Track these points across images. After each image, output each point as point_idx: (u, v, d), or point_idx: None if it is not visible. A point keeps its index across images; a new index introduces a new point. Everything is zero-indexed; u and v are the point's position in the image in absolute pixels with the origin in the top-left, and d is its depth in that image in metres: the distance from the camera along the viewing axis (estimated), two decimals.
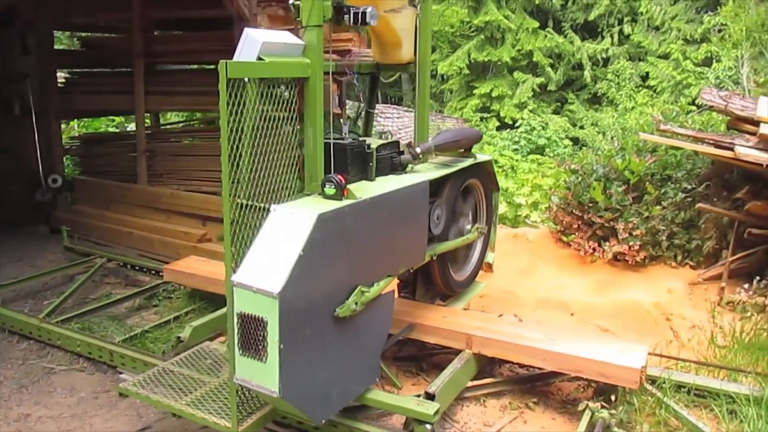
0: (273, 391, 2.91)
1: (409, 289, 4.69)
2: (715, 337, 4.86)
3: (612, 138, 12.57)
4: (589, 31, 22.05)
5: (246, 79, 2.96)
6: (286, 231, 2.98)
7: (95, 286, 6.19)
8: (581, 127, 20.07)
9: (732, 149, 5.48)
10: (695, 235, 6.27)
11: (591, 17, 21.40)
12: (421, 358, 4.62)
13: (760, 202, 5.53)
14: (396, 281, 3.70)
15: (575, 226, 6.76)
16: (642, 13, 20.43)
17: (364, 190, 3.44)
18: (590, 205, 6.57)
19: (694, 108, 8.34)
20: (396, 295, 3.85)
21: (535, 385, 4.27)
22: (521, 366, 4.42)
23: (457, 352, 4.14)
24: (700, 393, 3.94)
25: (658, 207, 6.33)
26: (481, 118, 21.30)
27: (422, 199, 3.89)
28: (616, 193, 6.43)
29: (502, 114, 21.28)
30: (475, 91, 22.07)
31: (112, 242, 7.15)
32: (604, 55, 21.28)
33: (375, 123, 4.95)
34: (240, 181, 3.05)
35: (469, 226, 4.72)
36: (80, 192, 8.06)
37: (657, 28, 20.39)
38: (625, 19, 21.10)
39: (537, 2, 21.53)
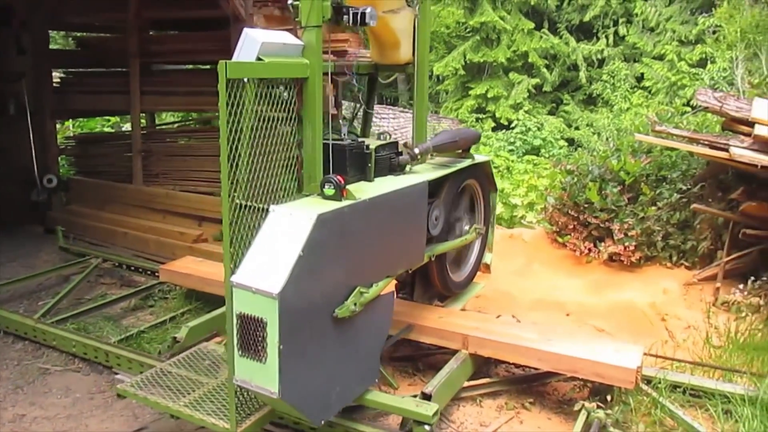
0: (273, 392, 2.91)
1: (407, 290, 4.69)
2: (710, 338, 4.87)
3: (607, 139, 12.61)
4: (585, 32, 22.11)
5: (245, 80, 2.96)
6: (286, 231, 2.98)
7: (90, 287, 6.17)
8: (576, 128, 20.14)
9: (727, 150, 5.50)
10: (690, 235, 6.29)
11: (586, 18, 21.48)
12: (417, 359, 4.63)
13: (754, 203, 5.55)
14: (394, 282, 3.69)
15: (571, 226, 6.77)
16: (637, 15, 20.52)
17: (363, 190, 3.44)
18: (586, 205, 6.59)
19: (688, 109, 8.39)
20: (394, 295, 3.85)
21: (531, 385, 4.27)
22: (517, 366, 4.42)
23: (454, 352, 4.14)
24: (695, 393, 3.96)
25: (653, 207, 6.35)
26: (477, 119, 21.34)
27: (421, 199, 3.90)
28: (611, 194, 6.45)
29: (497, 115, 21.33)
30: (470, 92, 22.12)
31: (107, 242, 7.13)
32: (599, 56, 21.36)
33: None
34: (238, 181, 3.04)
35: (467, 227, 4.73)
36: (75, 192, 8.03)
37: (652, 30, 20.48)
38: (620, 21, 21.18)
39: (532, 3, 21.58)
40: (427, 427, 3.39)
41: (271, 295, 2.81)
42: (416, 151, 4.01)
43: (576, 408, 3.74)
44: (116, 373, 4.29)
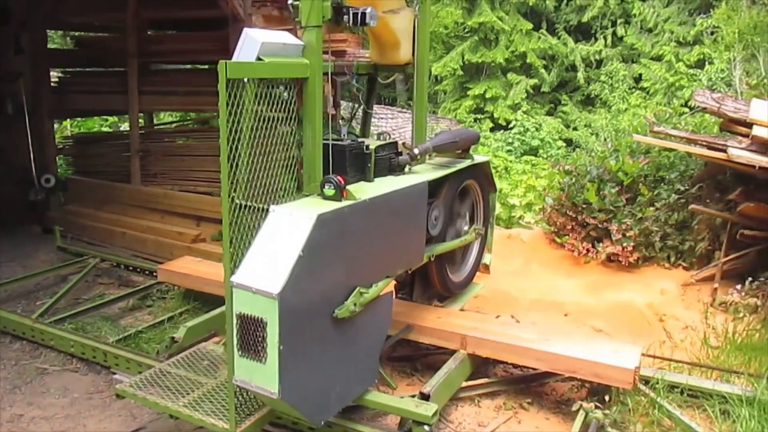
0: (272, 392, 2.91)
1: (406, 290, 4.70)
2: (707, 338, 4.88)
3: (605, 139, 12.63)
4: (583, 32, 22.13)
5: (245, 80, 2.96)
6: (286, 232, 2.98)
7: (88, 287, 6.16)
8: (574, 129, 20.15)
9: (725, 151, 5.51)
10: (688, 236, 6.30)
11: (584, 19, 21.49)
12: (415, 359, 4.63)
13: (752, 204, 5.56)
14: (393, 282, 3.69)
15: (569, 227, 6.78)
16: (635, 15, 20.54)
17: (363, 191, 3.44)
18: (584, 206, 6.60)
19: (686, 110, 8.39)
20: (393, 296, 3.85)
21: (530, 385, 4.28)
22: (515, 366, 4.42)
23: (452, 352, 4.14)
24: (693, 393, 3.97)
25: (651, 208, 6.36)
26: (475, 119, 21.33)
27: (421, 200, 3.90)
28: (609, 195, 6.45)
29: (495, 115, 21.33)
30: (468, 92, 22.12)
31: (105, 242, 7.13)
32: (597, 57, 21.37)
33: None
34: (238, 181, 3.04)
35: (466, 227, 4.73)
36: (73, 192, 8.03)
37: (650, 30, 20.51)
38: (619, 21, 21.20)
39: (531, 4, 21.58)
40: (426, 428, 3.39)
41: (271, 296, 2.80)
42: (416, 151, 4.01)
43: (574, 408, 3.74)
44: (114, 373, 4.29)
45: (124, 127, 10.70)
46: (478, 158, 4.65)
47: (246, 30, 3.17)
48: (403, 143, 4.11)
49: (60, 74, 8.47)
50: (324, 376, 3.19)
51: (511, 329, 4.38)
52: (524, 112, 20.78)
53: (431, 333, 4.28)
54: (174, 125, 10.37)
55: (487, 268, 5.20)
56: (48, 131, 7.97)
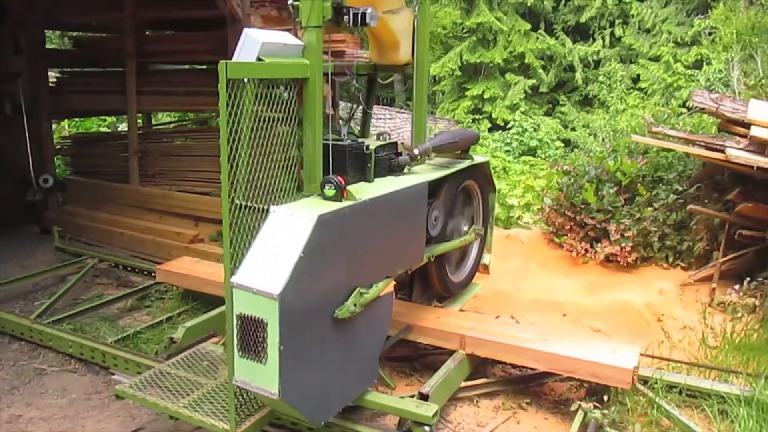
0: (273, 392, 2.91)
1: (405, 291, 4.70)
2: (706, 338, 4.89)
3: (603, 140, 12.64)
4: (581, 33, 22.15)
5: (245, 80, 2.95)
6: (286, 232, 2.98)
7: (87, 287, 6.15)
8: (573, 129, 20.16)
9: (723, 151, 5.52)
10: (686, 236, 6.31)
11: (582, 19, 21.52)
12: (414, 359, 4.63)
13: (750, 204, 5.57)
14: (393, 283, 3.69)
15: (567, 227, 6.79)
16: (633, 16, 20.56)
17: (364, 191, 3.44)
18: (582, 206, 6.61)
19: (684, 110, 8.40)
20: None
21: (528, 385, 4.28)
22: (514, 366, 4.43)
23: (451, 352, 4.14)
24: (691, 393, 3.97)
25: (649, 208, 6.37)
26: (473, 120, 21.34)
27: (421, 200, 3.90)
28: (608, 195, 6.46)
29: (494, 115, 21.34)
30: (467, 93, 22.13)
31: (103, 243, 7.12)
32: (595, 57, 21.39)
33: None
34: (238, 182, 3.04)
35: (466, 228, 4.73)
36: (71, 192, 8.02)
37: (648, 31, 20.54)
38: (617, 22, 21.23)
39: (529, 4, 21.59)
40: (426, 428, 3.39)
41: (272, 296, 2.80)
42: (416, 151, 4.01)
43: (573, 408, 3.74)
44: (113, 374, 4.28)
45: (122, 127, 10.69)
46: (478, 158, 4.65)
47: (246, 30, 3.17)
48: (401, 143, 4.11)
49: (58, 74, 8.47)
50: (324, 377, 3.19)
51: (510, 329, 4.39)
52: (522, 113, 20.79)
53: (430, 333, 4.28)
54: (172, 125, 10.37)
55: (486, 268, 5.20)
56: (46, 131, 7.95)
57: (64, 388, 4.38)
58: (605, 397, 3.81)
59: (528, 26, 21.82)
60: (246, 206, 3.09)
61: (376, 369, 3.70)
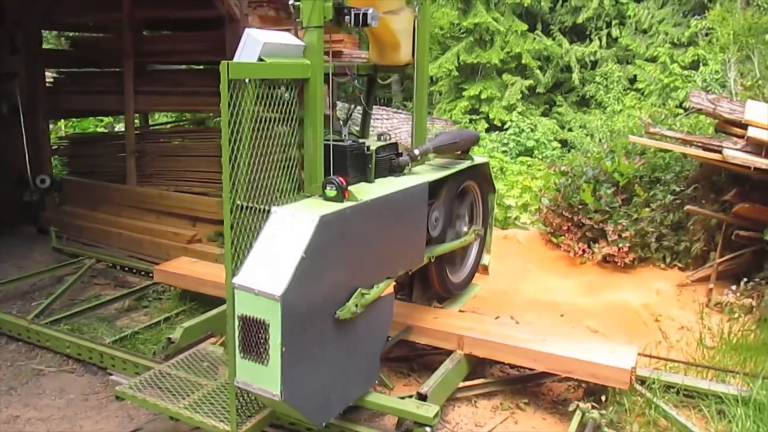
0: (275, 394, 2.90)
1: (405, 291, 4.70)
2: (703, 338, 4.90)
3: (600, 140, 12.64)
4: (578, 33, 22.17)
5: (246, 80, 2.95)
6: (288, 233, 2.97)
7: (84, 287, 6.14)
8: (569, 130, 20.18)
9: (720, 152, 5.53)
10: (684, 236, 6.32)
11: (579, 20, 21.53)
12: (412, 359, 4.63)
13: (747, 205, 5.58)
14: (393, 283, 3.70)
15: (565, 227, 6.80)
16: (630, 17, 20.59)
17: (365, 192, 3.44)
18: (580, 206, 6.62)
19: (681, 111, 8.42)
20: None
21: (526, 385, 4.29)
22: (512, 367, 4.43)
23: (449, 352, 4.15)
24: (689, 393, 3.98)
25: (647, 209, 6.38)
26: (470, 120, 21.36)
27: (421, 201, 3.90)
28: (605, 195, 6.47)
29: (491, 116, 21.35)
30: (464, 93, 22.13)
31: (101, 243, 7.11)
32: (592, 58, 21.41)
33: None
34: (240, 182, 3.03)
35: (466, 228, 4.73)
36: (69, 192, 8.00)
37: (645, 32, 20.56)
38: (613, 22, 21.24)
39: (526, 5, 21.60)
40: (428, 429, 3.39)
41: (274, 297, 2.80)
42: (416, 152, 4.01)
43: (571, 408, 3.75)
44: (111, 374, 4.28)
45: (119, 127, 10.68)
46: (478, 159, 4.66)
47: (248, 30, 3.16)
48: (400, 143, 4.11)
49: (55, 74, 8.45)
50: (325, 378, 3.19)
51: (508, 329, 4.40)
52: (519, 113, 20.81)
53: (428, 333, 4.29)
54: (170, 126, 10.34)
55: (485, 268, 5.20)
56: (43, 132, 7.93)
57: (61, 389, 4.38)
58: (603, 397, 3.81)
59: (525, 27, 21.83)
60: (247, 207, 3.08)
61: (376, 370, 3.71)
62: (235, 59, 3.09)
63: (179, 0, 6.81)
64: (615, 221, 6.36)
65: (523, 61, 21.60)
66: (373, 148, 3.73)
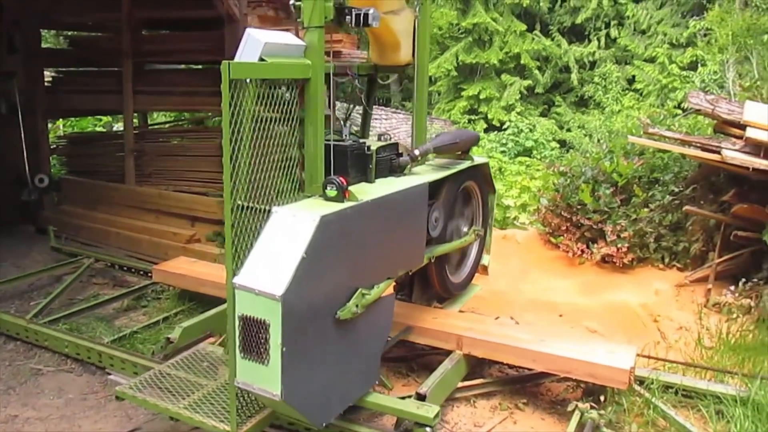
0: (275, 394, 2.90)
1: (405, 292, 4.70)
2: (701, 339, 4.90)
3: (599, 141, 12.65)
4: (577, 34, 22.18)
5: (247, 80, 2.94)
6: (289, 233, 2.97)
7: (83, 287, 6.14)
8: (568, 130, 20.20)
9: (719, 152, 5.54)
10: (682, 237, 6.33)
11: (578, 20, 21.54)
12: (411, 359, 4.63)
13: (746, 205, 5.58)
14: (393, 283, 3.70)
15: (564, 227, 6.80)
16: (628, 17, 20.61)
17: (365, 192, 3.44)
18: (579, 207, 6.62)
19: (679, 111, 8.43)
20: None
21: (525, 385, 4.29)
22: (511, 367, 4.44)
23: (448, 353, 4.15)
24: (687, 393, 3.99)
25: (645, 209, 6.39)
26: (469, 120, 21.37)
27: (422, 201, 3.90)
28: (604, 196, 6.48)
29: (489, 116, 21.35)
30: (462, 93, 22.14)
31: (99, 243, 7.10)
32: (590, 59, 21.42)
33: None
34: (240, 182, 3.03)
35: (466, 229, 4.74)
36: (67, 192, 7.99)
37: (643, 32, 20.59)
38: (612, 23, 21.26)
39: (525, 5, 21.61)
40: (428, 429, 3.39)
41: (275, 297, 2.80)
42: (416, 152, 4.01)
43: (569, 408, 3.75)
44: (109, 374, 4.28)
45: (118, 127, 10.67)
46: (478, 159, 4.66)
47: (249, 30, 3.16)
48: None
49: (54, 74, 8.44)
50: (326, 378, 3.19)
51: (507, 330, 4.40)
52: (518, 113, 20.82)
53: (427, 333, 4.29)
54: (168, 125, 10.33)
55: (485, 269, 5.20)
56: (41, 131, 7.92)
57: (60, 389, 4.38)
58: (602, 398, 3.82)
59: (524, 27, 21.83)
60: (247, 207, 3.08)
61: (377, 370, 3.71)
62: (236, 59, 3.09)
63: (178, 0, 6.81)
64: (614, 221, 6.36)
65: (522, 62, 21.60)
66: (373, 148, 3.73)
